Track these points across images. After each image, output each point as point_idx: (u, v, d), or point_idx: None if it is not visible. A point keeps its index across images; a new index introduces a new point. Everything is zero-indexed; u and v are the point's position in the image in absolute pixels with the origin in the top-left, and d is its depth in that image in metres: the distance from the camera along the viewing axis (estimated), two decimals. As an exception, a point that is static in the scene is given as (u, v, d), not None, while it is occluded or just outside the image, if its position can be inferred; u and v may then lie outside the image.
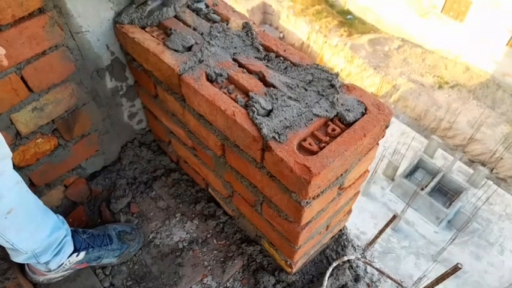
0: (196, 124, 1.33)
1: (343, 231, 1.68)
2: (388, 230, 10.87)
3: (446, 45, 15.18)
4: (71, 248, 1.39)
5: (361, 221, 10.81)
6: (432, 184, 11.50)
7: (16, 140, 1.34)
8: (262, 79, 1.18)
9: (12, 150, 1.34)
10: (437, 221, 11.23)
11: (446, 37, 15.05)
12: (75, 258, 1.42)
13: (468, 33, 14.45)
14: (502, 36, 13.81)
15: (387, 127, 1.13)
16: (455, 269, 1.30)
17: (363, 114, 1.10)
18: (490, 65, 14.42)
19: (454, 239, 10.27)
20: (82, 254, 1.43)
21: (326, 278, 1.51)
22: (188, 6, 1.36)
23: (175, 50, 1.24)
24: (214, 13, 1.38)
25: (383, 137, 1.17)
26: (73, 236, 1.42)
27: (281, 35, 18.03)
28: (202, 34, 1.29)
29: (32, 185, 1.49)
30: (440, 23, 15.08)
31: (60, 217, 1.40)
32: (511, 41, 13.77)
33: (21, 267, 1.47)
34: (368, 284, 1.59)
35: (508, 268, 10.58)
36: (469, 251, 10.87)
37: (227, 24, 1.33)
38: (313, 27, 16.82)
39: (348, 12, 17.30)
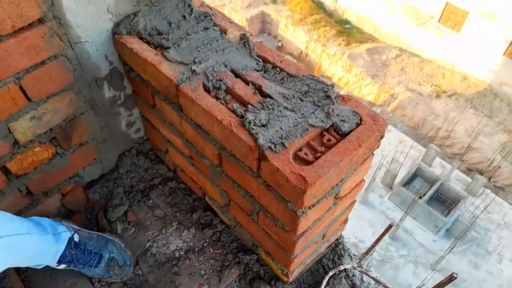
0: (193, 133, 1.34)
1: (339, 241, 1.69)
2: (386, 239, 10.84)
3: (443, 55, 15.31)
4: (54, 264, 1.38)
5: (359, 230, 10.78)
6: (430, 192, 11.50)
7: (14, 149, 1.34)
8: (259, 89, 1.19)
9: (10, 158, 1.35)
10: (435, 230, 11.20)
11: (443, 47, 15.18)
12: (54, 266, 1.40)
13: (465, 43, 14.58)
14: (498, 46, 13.93)
15: (382, 137, 1.15)
16: (451, 278, 1.31)
17: (358, 124, 1.11)
18: (487, 75, 14.53)
19: (452, 248, 10.24)
20: (63, 266, 1.41)
21: (322, 287, 1.51)
22: (184, 18, 1.38)
23: (173, 61, 1.25)
24: (212, 24, 1.40)
25: (378, 147, 1.18)
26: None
27: (279, 44, 18.15)
28: (200, 45, 1.31)
29: (29, 193, 1.50)
30: (438, 33, 15.22)
31: (59, 234, 1.39)
32: (508, 51, 13.88)
33: (17, 272, 1.48)
34: (364, 294, 1.59)
35: (507, 277, 10.54)
36: (467, 259, 10.83)
37: (225, 35, 1.35)
38: (312, 37, 16.95)
39: (347, 22, 17.45)
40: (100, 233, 1.57)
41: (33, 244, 1.27)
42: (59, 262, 1.38)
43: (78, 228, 1.50)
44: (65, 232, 1.42)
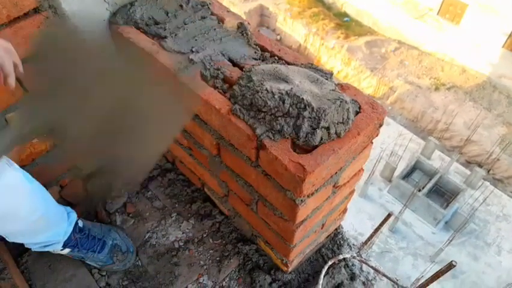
0: (192, 123, 1.34)
1: (339, 230, 1.69)
2: (386, 231, 10.88)
3: (442, 48, 15.25)
4: (60, 246, 1.40)
5: (359, 222, 10.80)
6: (429, 185, 11.51)
7: (11, 140, 1.34)
8: (257, 78, 1.18)
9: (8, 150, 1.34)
10: (434, 222, 11.24)
11: (442, 39, 15.12)
12: (59, 250, 1.43)
13: (464, 35, 14.53)
14: (497, 38, 13.88)
15: (381, 126, 1.14)
16: (450, 266, 1.31)
17: (357, 113, 1.11)
18: (486, 67, 14.49)
19: (451, 240, 10.28)
20: (67, 250, 1.44)
21: (322, 276, 1.51)
22: (181, 7, 1.37)
23: (170, 50, 1.24)
24: (209, 14, 1.39)
25: (377, 135, 1.17)
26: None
27: (278, 37, 18.07)
28: (197, 34, 1.30)
29: (27, 185, 1.49)
30: (436, 26, 15.16)
31: (69, 213, 1.43)
32: (507, 43, 13.85)
33: (16, 264, 1.48)
34: (363, 283, 1.60)
35: (506, 268, 10.60)
36: (466, 251, 10.88)
37: (222, 24, 1.34)
38: (310, 30, 16.87)
39: (345, 15, 17.36)
40: (103, 224, 1.59)
41: (51, 201, 1.34)
42: (64, 246, 1.40)
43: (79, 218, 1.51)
44: (73, 213, 1.45)
